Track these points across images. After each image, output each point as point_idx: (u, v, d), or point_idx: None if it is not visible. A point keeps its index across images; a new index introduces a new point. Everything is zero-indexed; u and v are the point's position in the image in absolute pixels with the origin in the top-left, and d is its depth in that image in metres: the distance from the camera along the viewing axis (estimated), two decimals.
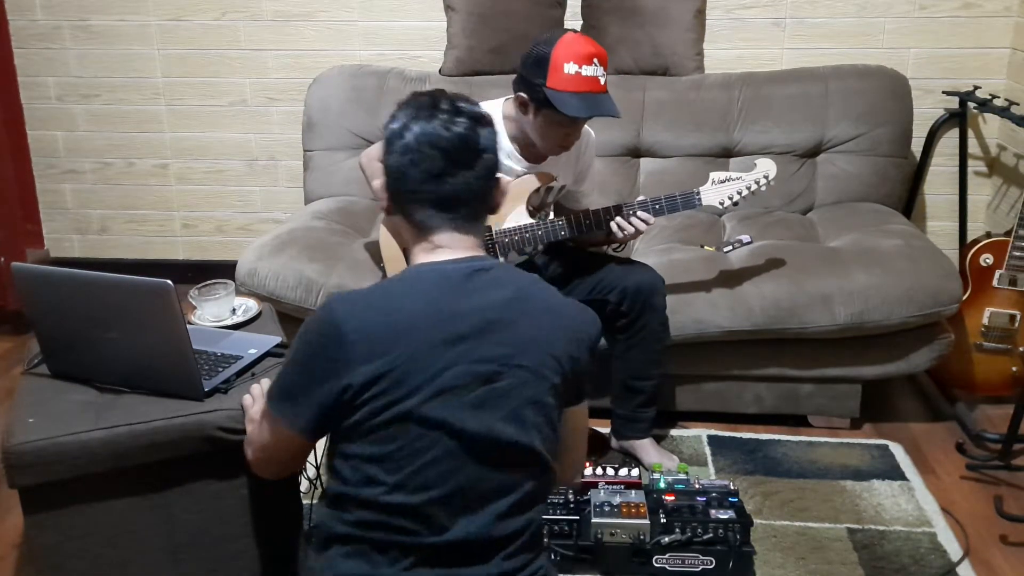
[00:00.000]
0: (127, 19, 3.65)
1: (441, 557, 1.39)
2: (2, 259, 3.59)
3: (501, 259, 2.57)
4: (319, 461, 1.94)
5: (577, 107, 2.28)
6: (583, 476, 1.76)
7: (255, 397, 1.73)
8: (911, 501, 2.47)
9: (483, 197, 1.50)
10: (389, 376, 1.35)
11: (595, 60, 2.30)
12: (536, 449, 1.44)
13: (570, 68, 2.29)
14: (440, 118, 1.46)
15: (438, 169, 1.45)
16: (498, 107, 2.51)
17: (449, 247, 1.48)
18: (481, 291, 1.43)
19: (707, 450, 2.72)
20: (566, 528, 2.18)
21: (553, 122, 2.35)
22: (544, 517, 2.16)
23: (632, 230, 2.48)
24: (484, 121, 1.49)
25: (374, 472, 1.38)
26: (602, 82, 2.32)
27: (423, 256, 1.49)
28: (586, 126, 2.58)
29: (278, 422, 1.47)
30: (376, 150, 2.59)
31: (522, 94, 2.37)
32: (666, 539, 2.13)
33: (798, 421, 2.86)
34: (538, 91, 2.31)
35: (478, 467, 1.39)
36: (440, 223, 1.48)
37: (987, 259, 2.89)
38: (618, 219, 2.48)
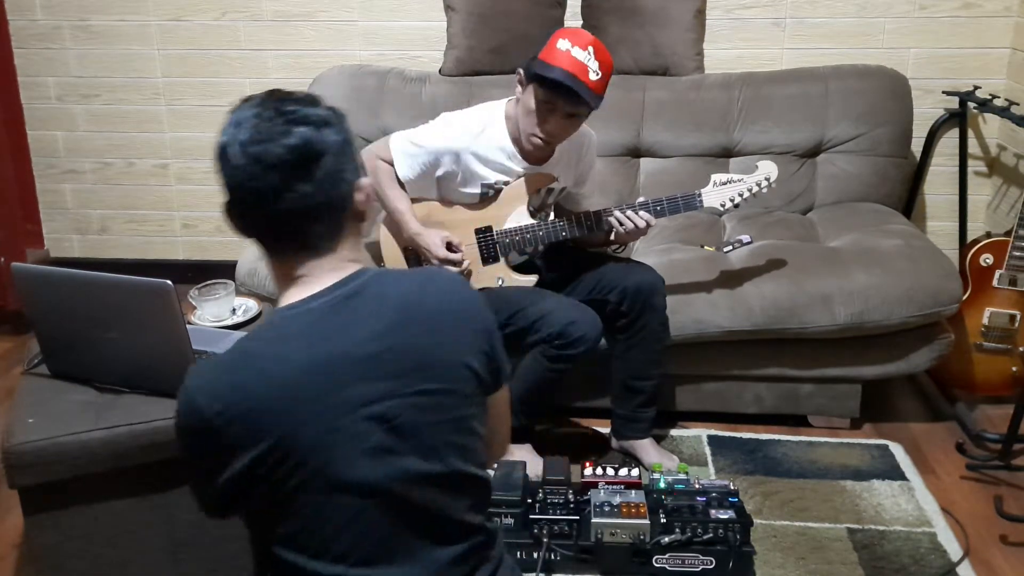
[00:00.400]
0: (127, 19, 3.65)
1: None
2: (2, 259, 3.59)
3: (502, 259, 2.57)
4: None
5: (555, 73, 2.29)
6: (499, 459, 1.61)
7: None
8: (911, 501, 2.47)
9: (333, 208, 1.28)
10: (276, 451, 1.19)
11: (590, 48, 2.30)
12: (460, 471, 1.31)
13: (563, 44, 2.31)
14: (266, 129, 1.23)
15: (270, 188, 1.23)
16: (500, 107, 2.51)
17: (312, 276, 1.28)
18: (357, 323, 1.25)
19: (707, 450, 2.72)
20: (566, 528, 2.18)
21: (536, 99, 2.35)
22: (544, 517, 2.18)
23: (632, 226, 2.47)
24: (324, 121, 1.27)
25: (292, 558, 1.24)
26: (591, 76, 2.30)
27: (286, 293, 1.30)
28: (586, 127, 2.58)
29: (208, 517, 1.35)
30: (377, 147, 2.60)
31: (521, 70, 2.39)
32: (666, 539, 2.13)
33: (798, 421, 2.86)
34: (531, 64, 2.34)
35: (400, 514, 1.26)
36: (288, 249, 1.29)
37: (987, 259, 2.89)
38: (616, 213, 2.47)
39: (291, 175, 1.23)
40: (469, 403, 1.32)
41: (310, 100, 1.29)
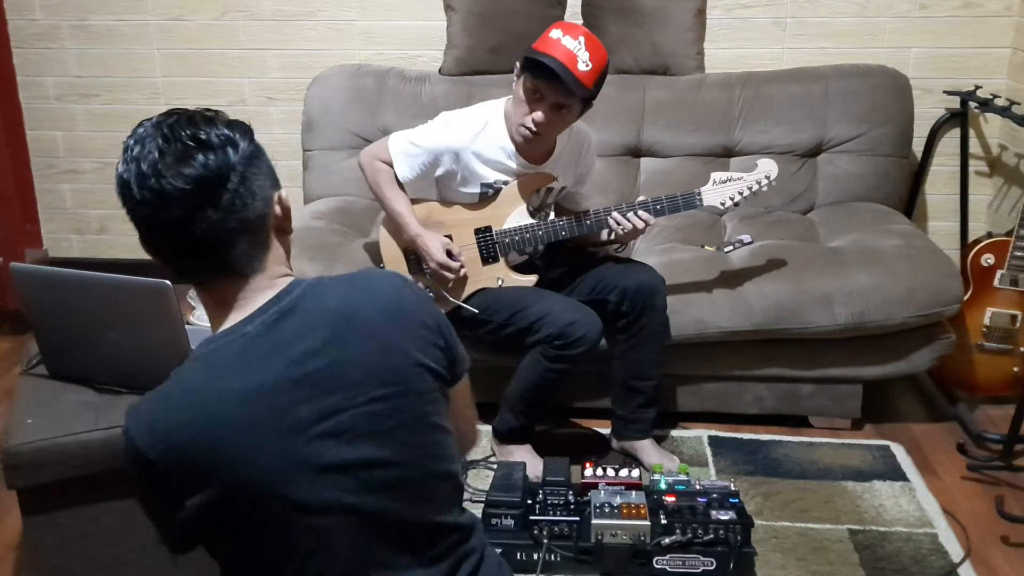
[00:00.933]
0: (127, 19, 3.64)
1: None
2: (1, 259, 3.58)
3: (502, 259, 2.56)
4: None
5: (545, 60, 2.28)
6: (477, 441, 1.58)
7: None
8: (912, 502, 2.46)
9: (248, 228, 1.21)
10: (230, 488, 1.15)
11: (581, 39, 2.30)
12: (427, 470, 1.28)
13: (555, 34, 2.31)
14: (162, 161, 1.17)
15: (176, 219, 1.17)
16: (499, 107, 2.51)
17: (241, 299, 1.24)
18: (294, 342, 1.20)
19: (708, 451, 2.71)
20: (566, 529, 2.17)
21: (523, 87, 2.35)
22: (544, 518, 2.17)
23: (630, 227, 2.47)
24: (224, 141, 1.20)
25: None
26: (580, 66, 2.29)
27: (218, 320, 1.25)
28: (586, 127, 2.58)
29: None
30: (376, 148, 2.59)
31: (517, 63, 2.39)
32: (667, 540, 2.13)
33: (799, 422, 2.86)
34: (525, 53, 2.34)
35: (372, 526, 1.22)
36: (210, 277, 1.24)
37: (988, 259, 2.88)
38: (615, 214, 2.47)
39: (196, 204, 1.17)
40: (426, 400, 1.28)
41: (208, 119, 1.22)
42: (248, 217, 1.21)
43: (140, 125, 1.23)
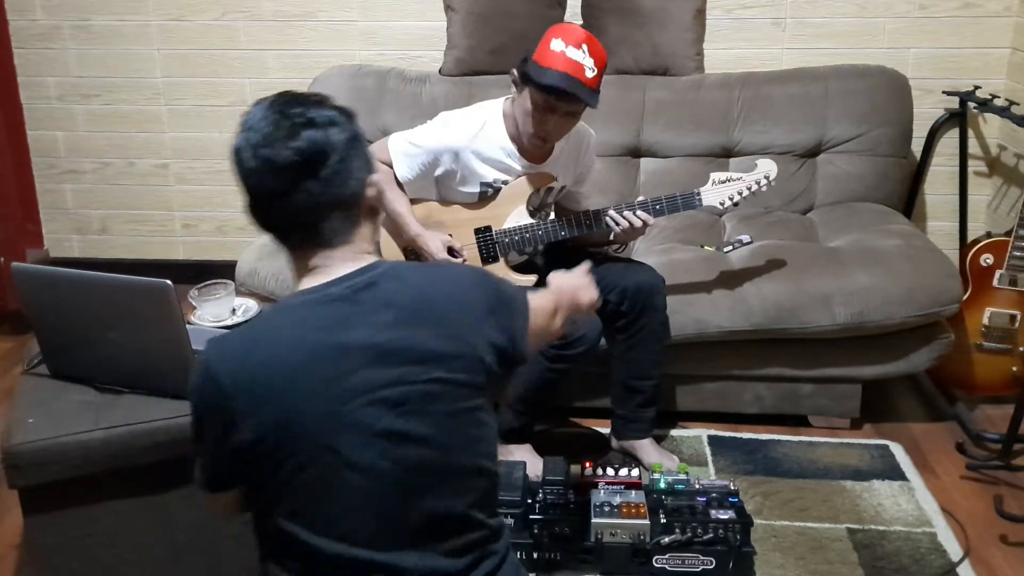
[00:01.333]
0: (127, 19, 3.65)
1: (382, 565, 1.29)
2: (2, 259, 3.59)
3: (502, 259, 2.57)
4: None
5: (552, 77, 2.28)
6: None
7: None
8: (911, 501, 2.47)
9: (342, 204, 1.34)
10: (282, 426, 1.25)
11: (584, 47, 2.29)
12: (467, 463, 1.35)
13: (556, 45, 2.29)
14: (273, 133, 1.30)
15: (281, 188, 1.30)
16: (498, 106, 2.51)
17: (325, 267, 1.35)
18: (372, 312, 1.30)
19: (707, 450, 2.72)
20: (566, 528, 2.18)
21: (531, 102, 2.34)
22: (544, 517, 2.18)
23: (630, 227, 2.47)
24: (329, 122, 1.32)
25: (296, 532, 1.28)
26: (588, 74, 2.30)
27: (303, 280, 1.36)
28: (586, 126, 2.58)
29: (203, 490, 1.39)
30: (376, 149, 2.59)
31: (515, 70, 2.38)
32: (666, 539, 2.13)
33: (798, 421, 2.86)
34: (525, 65, 2.32)
35: (404, 500, 1.29)
36: (302, 243, 1.36)
37: (987, 259, 2.89)
38: (614, 214, 2.47)
39: (299, 175, 1.29)
40: (479, 394, 1.36)
41: (317, 101, 1.35)
42: (343, 194, 1.33)
43: (256, 103, 1.36)
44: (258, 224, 1.37)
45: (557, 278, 1.75)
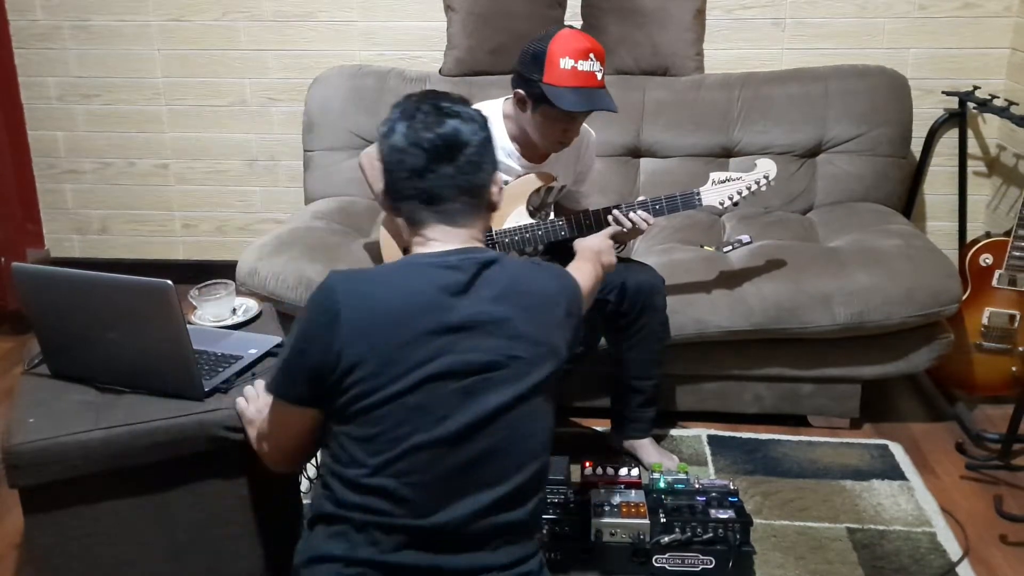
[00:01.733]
0: (127, 19, 3.65)
1: (424, 542, 1.41)
2: (2, 259, 3.59)
3: None
4: (319, 460, 1.94)
5: (573, 102, 2.29)
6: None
7: (249, 399, 1.74)
8: (911, 501, 2.47)
9: (470, 191, 1.53)
10: (375, 360, 1.39)
11: (591, 55, 2.30)
12: (526, 446, 1.47)
13: (566, 63, 2.29)
14: (423, 119, 1.51)
15: (420, 166, 1.50)
16: (498, 107, 2.51)
17: (440, 240, 1.53)
18: (479, 287, 1.47)
19: (707, 450, 2.72)
20: (566, 528, 2.18)
21: (550, 118, 2.35)
22: (544, 517, 2.18)
23: (630, 226, 2.47)
24: (471, 119, 1.53)
25: (358, 453, 1.41)
26: (599, 77, 2.33)
27: (418, 249, 1.55)
28: (586, 126, 2.58)
29: (278, 400, 1.52)
30: (375, 150, 2.60)
31: (520, 91, 2.38)
32: (666, 539, 2.13)
33: (798, 421, 2.86)
34: (535, 87, 2.32)
35: (461, 456, 1.41)
36: (427, 217, 1.54)
37: (987, 259, 2.89)
38: (615, 212, 2.48)
39: (437, 157, 1.50)
40: (544, 383, 1.49)
41: (463, 100, 1.57)
42: (473, 183, 1.53)
43: (408, 96, 1.58)
44: (392, 200, 1.56)
45: (587, 243, 2.11)
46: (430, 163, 1.50)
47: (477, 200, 1.55)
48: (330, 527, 1.44)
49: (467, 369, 1.42)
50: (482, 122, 1.55)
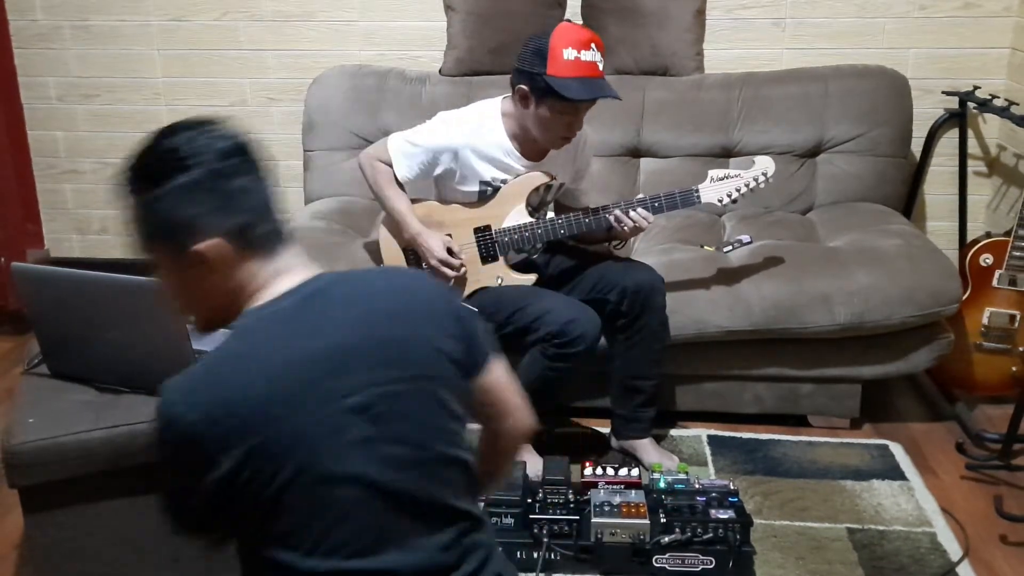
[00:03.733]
0: (127, 19, 3.65)
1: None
2: (2, 259, 3.59)
3: (501, 258, 2.57)
4: None
5: (579, 91, 2.30)
6: (531, 428, 1.67)
7: None
8: (911, 501, 2.47)
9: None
10: (259, 452, 1.20)
11: (592, 45, 2.32)
12: (444, 454, 1.33)
13: (569, 54, 2.30)
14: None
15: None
16: (497, 106, 2.51)
17: (275, 279, 1.34)
18: (327, 319, 1.29)
19: (707, 450, 2.72)
20: (566, 528, 2.18)
21: (556, 111, 2.35)
22: (544, 517, 2.18)
23: (631, 224, 2.48)
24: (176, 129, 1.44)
25: (284, 556, 1.24)
26: (600, 67, 2.34)
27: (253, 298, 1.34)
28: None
29: (181, 536, 1.35)
30: (375, 149, 2.60)
31: (523, 87, 2.38)
32: (666, 539, 2.13)
33: (798, 421, 2.86)
34: (539, 81, 2.32)
35: (389, 502, 1.27)
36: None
37: (987, 259, 2.89)
38: (616, 212, 2.48)
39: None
40: (447, 387, 1.35)
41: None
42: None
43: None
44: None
45: None
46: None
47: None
48: None
49: (352, 415, 1.26)
50: (191, 129, 1.49)
